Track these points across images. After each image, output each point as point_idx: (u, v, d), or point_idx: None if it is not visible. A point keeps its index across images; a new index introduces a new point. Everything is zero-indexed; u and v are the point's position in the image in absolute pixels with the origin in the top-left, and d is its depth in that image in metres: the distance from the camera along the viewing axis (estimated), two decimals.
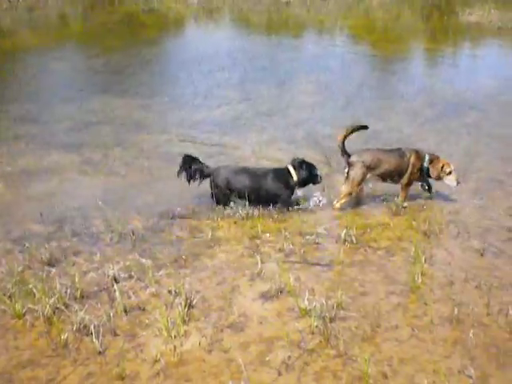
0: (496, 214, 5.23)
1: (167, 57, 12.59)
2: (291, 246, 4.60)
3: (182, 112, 8.43)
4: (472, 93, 9.37)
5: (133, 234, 4.79)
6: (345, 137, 5.32)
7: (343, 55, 12.12)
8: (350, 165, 5.36)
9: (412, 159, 5.40)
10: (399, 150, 5.50)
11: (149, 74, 10.59)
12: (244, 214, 5.20)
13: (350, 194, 5.41)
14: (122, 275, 4.10)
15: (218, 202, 5.52)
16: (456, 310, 3.62)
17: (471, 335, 3.41)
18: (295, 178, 5.47)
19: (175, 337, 3.44)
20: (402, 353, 3.32)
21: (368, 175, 5.37)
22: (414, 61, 11.98)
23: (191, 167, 5.53)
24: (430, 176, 5.44)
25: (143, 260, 4.33)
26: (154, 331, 3.50)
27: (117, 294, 3.74)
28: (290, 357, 3.27)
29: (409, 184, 5.45)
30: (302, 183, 5.53)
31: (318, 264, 4.35)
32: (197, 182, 5.54)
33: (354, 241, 4.66)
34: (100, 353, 3.32)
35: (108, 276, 4.07)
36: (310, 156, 6.30)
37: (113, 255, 4.46)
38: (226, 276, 4.15)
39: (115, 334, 3.49)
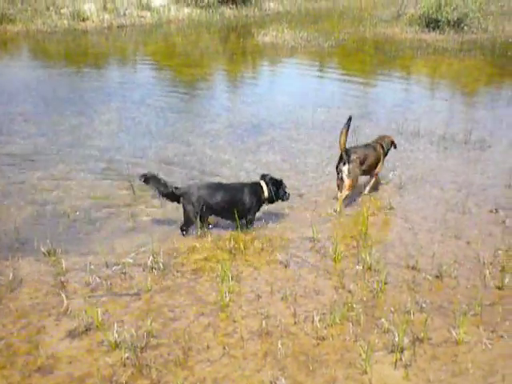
0: (298, 225, 6.41)
1: None
2: (98, 279, 5.35)
3: None
4: (270, 111, 11.00)
5: None
6: (346, 137, 6.91)
7: (144, 81, 13.34)
8: (349, 162, 6.97)
9: (380, 149, 7.53)
10: (369, 145, 7.54)
11: None
12: (46, 250, 5.75)
13: (352, 188, 7.09)
14: None
15: (189, 223, 6.31)
16: (264, 323, 4.67)
17: (280, 346, 4.46)
18: (266, 193, 6.55)
19: None
20: (214, 373, 4.20)
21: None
22: (214, 83, 13.59)
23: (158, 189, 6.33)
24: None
25: None
26: None
27: None
28: None
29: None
30: (271, 199, 6.63)
31: (126, 294, 5.14)
32: None
33: (162, 267, 5.53)
34: None
35: None
36: (114, 185, 7.44)
37: None
38: (30, 318, 4.76)
39: None
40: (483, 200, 7.15)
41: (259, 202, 6.57)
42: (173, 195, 6.29)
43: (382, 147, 7.52)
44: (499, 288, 5.28)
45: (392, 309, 4.90)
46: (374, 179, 7.57)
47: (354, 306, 4.91)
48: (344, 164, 7.05)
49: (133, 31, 20.03)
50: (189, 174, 7.93)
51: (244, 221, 6.48)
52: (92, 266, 5.53)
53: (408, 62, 15.76)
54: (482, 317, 4.79)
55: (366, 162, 7.21)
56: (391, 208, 6.90)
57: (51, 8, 21.01)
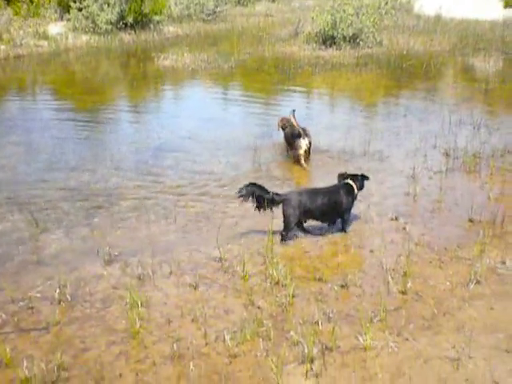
0: (205, 246, 6.46)
1: None
2: (4, 316, 5.28)
3: None
4: (174, 134, 11.03)
5: None
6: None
7: (44, 111, 13.08)
8: (307, 136, 9.19)
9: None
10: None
11: None
12: None
13: None
14: None
15: (289, 228, 6.70)
16: (175, 347, 4.77)
17: (192, 367, 4.57)
18: (356, 190, 7.02)
19: None
20: None
21: None
22: (116, 110, 13.44)
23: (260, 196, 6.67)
24: None
25: None
26: None
27: None
28: None
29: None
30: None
31: (34, 329, 5.04)
32: None
33: (69, 298, 5.50)
34: None
35: None
36: (16, 218, 7.37)
37: None
38: None
39: None
40: (384, 209, 7.47)
41: (353, 200, 7.05)
42: (273, 201, 6.68)
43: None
44: (402, 293, 5.56)
45: (301, 321, 5.09)
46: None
47: (264, 321, 5.07)
48: (303, 138, 9.11)
49: (30, 61, 19.62)
50: (94, 203, 7.87)
51: (342, 221, 7.03)
52: None
53: (307, 78, 16.18)
54: (387, 322, 5.04)
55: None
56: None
57: None
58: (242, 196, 6.68)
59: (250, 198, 6.70)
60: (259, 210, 6.77)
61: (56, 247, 6.68)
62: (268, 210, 6.71)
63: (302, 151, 9.18)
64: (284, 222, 6.75)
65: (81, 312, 5.34)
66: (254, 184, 6.76)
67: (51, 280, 5.87)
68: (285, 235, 6.72)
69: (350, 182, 7.09)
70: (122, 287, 5.72)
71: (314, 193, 6.95)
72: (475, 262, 6.02)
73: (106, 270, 6.09)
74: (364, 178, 7.26)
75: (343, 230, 6.99)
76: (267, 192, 6.71)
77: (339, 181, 7.22)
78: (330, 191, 6.98)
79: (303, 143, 9.15)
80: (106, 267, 6.16)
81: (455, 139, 9.96)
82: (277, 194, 6.76)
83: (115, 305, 5.44)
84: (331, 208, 6.90)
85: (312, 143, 9.31)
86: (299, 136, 9.19)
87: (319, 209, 6.83)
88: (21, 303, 5.49)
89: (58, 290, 5.55)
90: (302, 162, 9.19)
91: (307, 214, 6.83)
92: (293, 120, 9.39)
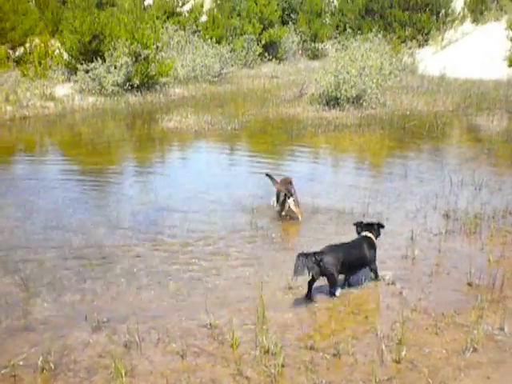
0: (196, 313, 6.33)
1: None
2: None
3: None
4: (174, 196, 10.98)
5: None
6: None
7: (47, 172, 13.22)
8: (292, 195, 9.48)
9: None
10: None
11: None
12: None
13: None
14: None
15: (335, 282, 6.74)
16: None
17: None
18: (375, 240, 7.26)
19: None
20: None
21: None
22: (119, 172, 13.50)
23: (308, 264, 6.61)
24: None
25: None
26: None
27: None
28: None
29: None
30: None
31: None
32: None
33: (53, 367, 5.38)
34: None
35: None
36: (6, 281, 7.34)
37: None
38: None
39: None
40: (381, 273, 7.28)
41: (375, 250, 7.21)
42: (316, 261, 6.58)
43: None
44: (396, 361, 5.38)
45: None
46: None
47: None
48: (289, 198, 9.46)
49: (36, 122, 19.87)
50: (87, 266, 7.72)
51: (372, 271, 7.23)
52: None
53: (310, 139, 16.21)
54: None
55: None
56: (290, 288, 6.94)
57: None
58: (298, 274, 6.54)
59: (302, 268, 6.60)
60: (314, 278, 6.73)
61: (44, 313, 6.56)
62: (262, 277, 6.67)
63: (283, 212, 9.63)
64: (329, 278, 6.72)
65: (63, 381, 5.19)
66: (301, 254, 6.62)
67: (36, 347, 5.72)
68: (333, 290, 6.73)
69: (369, 234, 7.30)
70: (108, 355, 5.55)
71: (346, 247, 7.06)
72: (472, 328, 5.85)
73: (93, 338, 5.93)
74: (380, 226, 7.49)
75: (376, 278, 7.16)
76: (310, 256, 6.62)
77: (357, 230, 7.46)
78: (355, 245, 7.17)
79: (290, 201, 9.49)
80: (93, 334, 6.01)
81: (456, 200, 9.92)
82: (316, 253, 6.71)
83: (99, 374, 5.28)
84: (359, 261, 7.09)
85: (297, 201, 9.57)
86: (285, 196, 9.55)
87: (351, 263, 6.96)
88: (3, 371, 5.35)
89: (41, 358, 5.40)
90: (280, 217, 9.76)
91: (342, 268, 6.86)
92: (277, 184, 9.95)
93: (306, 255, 6.65)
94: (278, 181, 10.19)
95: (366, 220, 7.73)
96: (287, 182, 9.92)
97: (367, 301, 6.72)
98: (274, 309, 6.43)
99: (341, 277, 6.96)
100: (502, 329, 5.91)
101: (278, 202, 9.88)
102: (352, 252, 7.04)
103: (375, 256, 7.21)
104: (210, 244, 8.54)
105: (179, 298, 6.91)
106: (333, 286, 6.81)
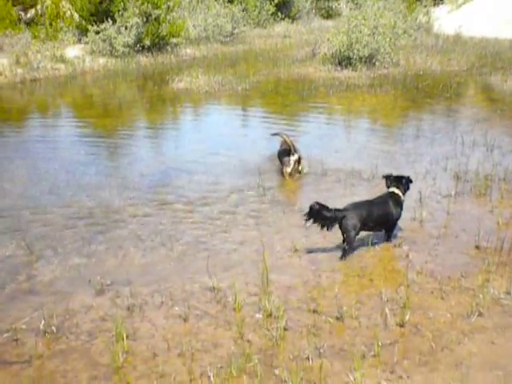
0: (200, 276, 6.31)
1: None
2: None
3: None
4: (185, 157, 10.88)
5: None
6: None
7: (57, 135, 13.25)
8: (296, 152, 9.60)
9: None
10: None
11: None
12: None
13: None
14: None
15: (352, 242, 6.67)
16: (156, 383, 4.39)
17: None
18: (402, 197, 7.12)
19: None
20: None
21: None
22: (128, 134, 13.31)
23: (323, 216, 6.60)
24: None
25: None
26: None
27: None
28: None
29: None
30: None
31: (16, 362, 4.90)
32: None
33: (55, 330, 5.36)
34: None
35: None
36: (12, 244, 7.27)
37: None
38: None
39: None
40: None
41: (402, 207, 7.12)
42: (336, 218, 6.62)
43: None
44: (400, 325, 5.30)
45: (291, 356, 4.85)
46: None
47: (253, 356, 4.83)
48: (292, 155, 9.46)
49: (47, 84, 19.80)
50: (93, 229, 7.70)
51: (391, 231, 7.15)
52: None
53: (321, 100, 15.95)
54: (380, 357, 4.79)
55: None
56: (296, 250, 6.86)
57: None
58: (308, 220, 6.60)
59: (316, 219, 6.62)
60: (325, 230, 6.71)
61: (49, 276, 6.51)
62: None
63: (289, 169, 9.55)
64: (346, 237, 6.67)
65: (65, 345, 5.16)
66: (317, 203, 6.61)
67: (39, 310, 5.67)
68: (348, 250, 6.66)
69: (396, 190, 7.14)
70: (110, 319, 5.52)
71: (370, 205, 6.96)
72: (478, 292, 5.75)
73: (96, 301, 5.89)
74: (408, 181, 7.30)
75: (388, 239, 7.07)
76: (330, 210, 6.62)
77: (386, 184, 7.29)
78: (380, 202, 7.03)
79: (291, 160, 9.52)
80: (96, 297, 5.97)
81: (467, 161, 9.74)
82: (337, 210, 6.67)
83: (101, 337, 5.25)
84: (384, 218, 6.97)
85: (301, 158, 9.65)
86: (288, 153, 9.59)
87: (375, 220, 6.88)
88: (6, 334, 5.33)
89: (43, 322, 5.38)
90: (287, 177, 9.58)
91: (365, 226, 6.84)
92: (285, 137, 9.76)
93: (324, 207, 6.60)
94: (281, 143, 10.25)
95: (395, 173, 7.49)
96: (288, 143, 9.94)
97: (373, 263, 6.59)
98: (278, 272, 6.37)
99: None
100: (508, 293, 5.79)
101: (279, 159, 9.96)
102: (377, 210, 6.91)
103: (400, 215, 7.07)
104: (217, 206, 8.46)
105: (184, 260, 6.84)
106: (349, 244, 6.71)
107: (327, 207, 6.70)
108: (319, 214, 6.62)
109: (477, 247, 6.84)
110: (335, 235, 6.91)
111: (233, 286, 5.92)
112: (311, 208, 6.62)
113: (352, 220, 6.68)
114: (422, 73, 19.13)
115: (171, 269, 6.65)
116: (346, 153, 10.81)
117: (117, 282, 6.29)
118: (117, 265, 6.81)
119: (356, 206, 6.92)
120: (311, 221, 6.65)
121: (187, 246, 7.19)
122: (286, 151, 9.70)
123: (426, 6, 32.38)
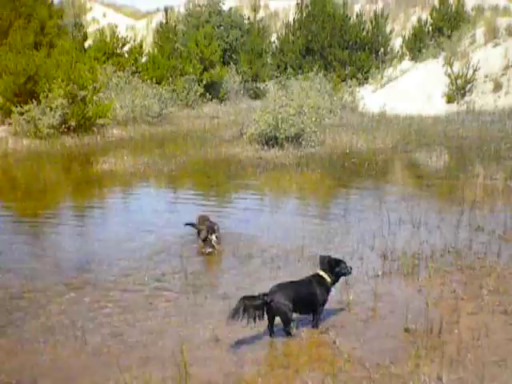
0: (112, 373, 5.78)
1: None
2: None
3: None
4: (106, 242, 10.46)
5: None
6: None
7: None
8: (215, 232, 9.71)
9: None
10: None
11: None
12: None
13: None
14: None
15: (289, 323, 6.45)
16: None
17: None
18: (329, 279, 6.85)
19: None
20: None
21: None
22: (59, 216, 12.89)
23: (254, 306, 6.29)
24: None
25: None
26: None
27: None
28: None
29: None
30: (335, 282, 6.99)
31: None
32: None
33: None
34: None
35: None
36: None
37: None
38: None
39: None
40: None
41: (328, 290, 6.87)
42: (265, 303, 6.33)
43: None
44: None
45: None
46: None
47: None
48: (211, 234, 9.65)
49: None
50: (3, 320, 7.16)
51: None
52: None
53: (247, 179, 15.88)
54: None
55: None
56: (217, 340, 6.46)
57: None
58: (234, 316, 6.18)
59: (243, 314, 6.21)
60: (255, 322, 6.31)
61: None
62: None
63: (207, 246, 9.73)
64: (282, 318, 6.43)
65: None
66: (243, 298, 6.29)
67: None
68: (288, 330, 6.41)
69: (321, 272, 6.92)
70: None
71: (296, 285, 6.77)
72: (409, 379, 5.50)
73: None
74: (337, 264, 7.00)
75: (316, 325, 6.76)
76: (258, 297, 6.34)
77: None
78: (304, 283, 6.82)
79: (213, 237, 9.69)
80: None
81: (394, 239, 9.64)
82: (265, 294, 6.38)
83: None
84: (309, 299, 6.71)
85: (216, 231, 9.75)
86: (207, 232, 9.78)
87: (302, 301, 6.64)
88: None
89: None
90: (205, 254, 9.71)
91: (294, 306, 6.54)
92: (197, 225, 10.14)
93: (252, 297, 6.31)
94: (197, 221, 10.36)
95: (333, 255, 7.26)
96: (205, 220, 10.24)
97: (299, 352, 6.25)
98: (198, 364, 5.96)
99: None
100: (440, 379, 5.56)
101: (201, 239, 9.92)
102: (302, 291, 6.68)
103: (324, 299, 6.79)
104: (137, 293, 8.01)
105: (97, 355, 6.33)
106: (287, 325, 6.45)
107: (253, 296, 6.42)
108: (250, 306, 6.27)
109: (406, 330, 6.61)
110: (259, 322, 6.57)
111: (148, 382, 5.51)
112: (238, 308, 6.24)
113: (283, 299, 6.41)
114: (348, 151, 19.36)
115: (82, 365, 6.13)
116: (272, 233, 10.55)
117: (22, 382, 5.76)
118: (24, 362, 6.19)
119: (282, 286, 6.67)
120: (241, 316, 6.26)
121: (101, 340, 6.68)
122: (201, 231, 9.83)
123: (350, 87, 33.40)
